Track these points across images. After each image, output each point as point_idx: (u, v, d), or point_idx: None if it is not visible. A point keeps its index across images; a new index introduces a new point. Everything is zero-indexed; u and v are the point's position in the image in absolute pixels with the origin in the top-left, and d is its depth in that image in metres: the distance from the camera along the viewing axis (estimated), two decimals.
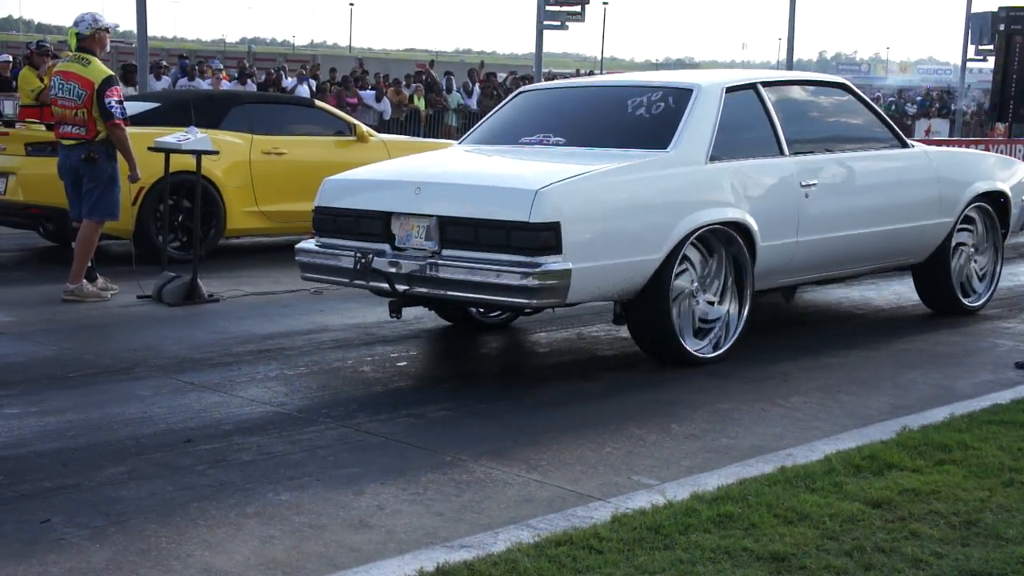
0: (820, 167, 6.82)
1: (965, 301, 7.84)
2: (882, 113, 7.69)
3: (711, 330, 6.29)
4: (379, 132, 12.52)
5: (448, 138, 22.65)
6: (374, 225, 6.05)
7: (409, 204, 5.91)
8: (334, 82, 23.35)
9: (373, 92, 22.64)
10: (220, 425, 4.99)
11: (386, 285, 5.92)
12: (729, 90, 6.58)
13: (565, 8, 22.42)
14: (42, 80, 9.78)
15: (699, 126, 6.28)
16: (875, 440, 4.67)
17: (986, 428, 4.84)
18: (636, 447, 4.77)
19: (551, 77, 28.06)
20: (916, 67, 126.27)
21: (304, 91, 22.10)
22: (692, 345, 6.15)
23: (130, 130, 7.92)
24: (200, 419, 5.08)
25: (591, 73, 32.71)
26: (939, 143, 16.42)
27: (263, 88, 22.05)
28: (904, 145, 7.55)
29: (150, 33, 15.97)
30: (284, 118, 10.54)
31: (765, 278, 6.53)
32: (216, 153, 8.57)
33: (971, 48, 29.31)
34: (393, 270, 5.86)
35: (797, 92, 7.27)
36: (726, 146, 6.36)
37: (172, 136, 8.26)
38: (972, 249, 7.90)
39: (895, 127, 7.67)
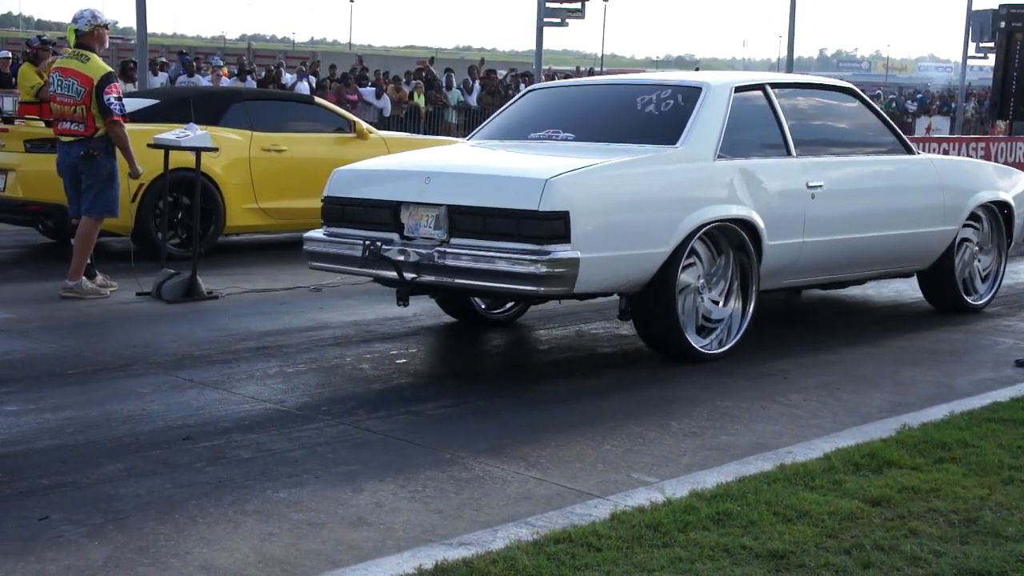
0: (827, 169, 6.84)
1: (967, 299, 7.84)
2: (888, 119, 7.73)
3: (714, 329, 6.29)
4: (379, 129, 12.51)
5: (448, 135, 22.65)
6: (383, 214, 6.09)
7: (419, 194, 5.95)
8: (334, 79, 23.35)
9: (373, 89, 22.64)
10: (219, 422, 4.99)
11: (394, 273, 5.95)
12: (738, 90, 6.63)
13: (565, 5, 22.41)
14: (42, 77, 9.77)
15: (708, 123, 6.33)
16: (874, 438, 4.67)
17: (986, 426, 4.83)
18: (635, 445, 4.77)
19: (551, 74, 28.06)
20: (917, 65, 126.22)
21: (304, 88, 22.09)
22: (696, 341, 6.17)
23: (129, 127, 7.92)
24: (199, 416, 5.08)
25: (591, 71, 32.69)
26: (939, 141, 16.41)
27: (263, 85, 22.05)
28: (909, 152, 7.58)
29: (150, 30, 15.96)
30: (284, 115, 10.53)
31: (771, 277, 6.54)
32: (216, 150, 8.56)
33: (972, 46, 29.30)
34: (401, 258, 5.89)
35: (805, 95, 7.32)
36: (734, 144, 6.40)
37: (172, 133, 8.25)
38: (976, 247, 7.90)
39: (900, 133, 7.70)
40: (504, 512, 3.94)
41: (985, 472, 4.23)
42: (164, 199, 8.65)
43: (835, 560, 3.43)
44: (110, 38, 8.28)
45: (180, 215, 9.37)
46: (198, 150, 8.06)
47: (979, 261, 7.96)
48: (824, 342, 6.91)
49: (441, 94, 23.86)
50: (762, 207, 6.35)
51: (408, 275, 5.91)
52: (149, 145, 8.26)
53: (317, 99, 11.73)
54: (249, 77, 22.03)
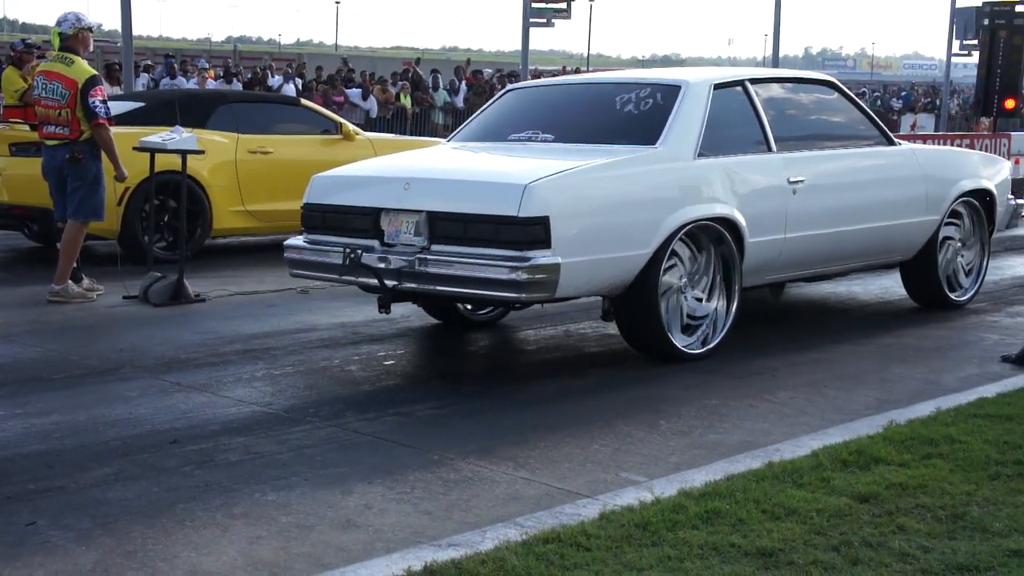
0: (808, 164, 6.83)
1: (951, 295, 7.86)
2: (868, 111, 7.73)
3: (699, 327, 6.29)
4: (366, 130, 12.50)
5: (435, 136, 22.63)
6: (363, 221, 6.06)
7: (398, 200, 5.92)
8: (320, 80, 23.31)
9: (359, 90, 22.60)
10: (207, 425, 4.97)
11: (375, 281, 5.92)
12: (717, 87, 6.60)
13: (551, 5, 22.43)
14: (26, 80, 9.73)
15: (687, 122, 6.30)
16: (862, 435, 4.68)
17: (972, 422, 4.85)
18: (624, 444, 4.77)
19: (538, 74, 28.06)
20: (902, 62, 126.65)
21: (290, 90, 22.04)
22: (680, 341, 6.16)
23: (115, 130, 7.90)
24: (186, 420, 5.06)
25: (577, 70, 32.74)
26: (925, 138, 16.47)
27: (249, 87, 22.00)
28: (891, 143, 7.58)
29: (135, 32, 15.92)
30: (270, 117, 10.52)
31: (753, 274, 6.55)
32: (202, 153, 8.54)
33: (956, 43, 29.39)
34: (382, 266, 5.87)
35: (785, 89, 7.28)
36: (714, 142, 6.38)
37: (157, 135, 8.23)
38: (959, 243, 7.93)
39: (882, 125, 7.70)
40: (493, 513, 3.94)
41: (972, 468, 4.25)
42: (150, 202, 8.62)
43: (824, 557, 3.44)
44: (95, 41, 8.25)
45: (167, 218, 9.35)
46: (184, 153, 8.04)
47: (962, 257, 7.99)
48: (811, 340, 6.93)
49: (428, 95, 23.84)
50: (743, 204, 6.35)
51: (389, 282, 5.88)
52: (135, 148, 8.24)
53: (303, 101, 11.73)
54: (235, 79, 21.97)
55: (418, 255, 5.75)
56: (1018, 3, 16.19)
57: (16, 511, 3.93)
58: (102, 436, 4.81)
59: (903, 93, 39.05)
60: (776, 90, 7.15)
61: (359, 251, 5.94)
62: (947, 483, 4.08)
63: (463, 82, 24.92)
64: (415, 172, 6.21)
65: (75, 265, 7.91)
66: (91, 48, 8.16)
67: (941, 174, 7.69)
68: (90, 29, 8.01)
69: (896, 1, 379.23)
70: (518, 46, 23.35)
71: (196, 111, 9.97)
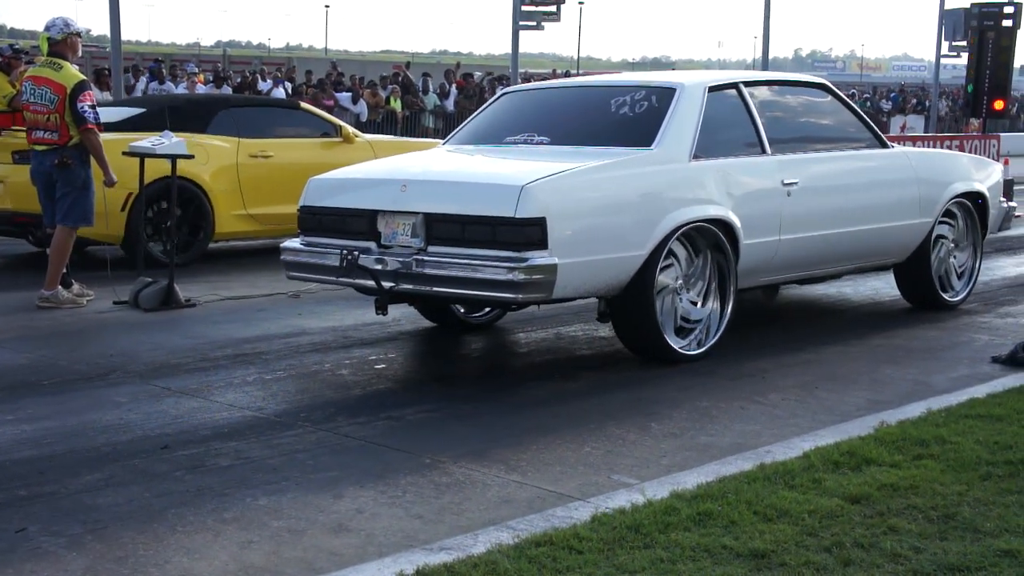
0: (802, 166, 6.86)
1: (944, 296, 7.88)
2: (862, 113, 7.76)
3: (694, 330, 6.30)
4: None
5: (425, 139, 22.65)
6: (360, 223, 6.07)
7: (395, 202, 5.93)
8: (310, 84, 23.28)
9: (349, 94, 22.59)
10: (197, 431, 4.96)
11: (372, 282, 5.93)
12: (712, 89, 6.63)
13: (541, 8, 22.45)
14: (14, 86, 9.70)
15: (682, 124, 6.32)
16: (853, 436, 4.69)
17: (963, 422, 4.86)
18: (616, 446, 4.77)
19: (528, 78, 28.09)
20: (891, 64, 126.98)
21: (280, 94, 22.01)
22: (675, 342, 6.17)
23: (114, 135, 7.88)
24: (177, 425, 5.05)
25: (568, 73, 32.74)
26: (914, 139, 16.51)
27: (239, 91, 21.95)
28: (884, 145, 7.62)
29: (124, 37, 15.90)
30: (270, 121, 10.58)
31: (748, 276, 6.56)
32: (191, 157, 8.52)
33: (945, 45, 29.48)
34: (379, 267, 5.88)
35: (779, 92, 7.33)
36: (709, 144, 6.41)
37: (147, 140, 8.21)
38: (952, 244, 7.95)
39: (875, 127, 7.73)
40: (485, 516, 3.94)
41: (963, 468, 4.26)
42: (141, 207, 8.60)
43: (816, 558, 3.44)
44: (84, 46, 8.23)
45: (167, 223, 9.34)
46: (173, 157, 8.02)
47: (955, 258, 8.00)
48: (802, 341, 6.93)
49: (418, 98, 23.84)
50: (738, 206, 6.36)
51: (386, 284, 5.88)
52: (124, 153, 8.22)
53: (303, 104, 11.78)
54: (225, 84, 21.93)
55: (415, 256, 5.76)
56: (1006, 4, 16.24)
57: (6, 517, 3.91)
58: (92, 442, 4.79)
59: (892, 94, 39.15)
60: (770, 92, 7.19)
61: (356, 253, 5.94)
62: (938, 484, 4.08)
63: (453, 86, 24.92)
64: (412, 174, 6.21)
65: (65, 271, 7.89)
66: (80, 53, 8.14)
67: (933, 177, 7.71)
68: (79, 34, 7.99)
69: (885, 3, 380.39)
70: (508, 49, 23.37)
71: (197, 116, 10.02)
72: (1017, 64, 22.80)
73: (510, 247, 5.50)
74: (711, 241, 6.29)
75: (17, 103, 9.04)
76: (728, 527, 3.67)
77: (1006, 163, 13.59)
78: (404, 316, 7.39)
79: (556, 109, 7.06)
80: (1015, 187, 14.67)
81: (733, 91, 6.80)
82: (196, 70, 23.20)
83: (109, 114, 9.48)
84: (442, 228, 5.74)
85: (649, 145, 6.21)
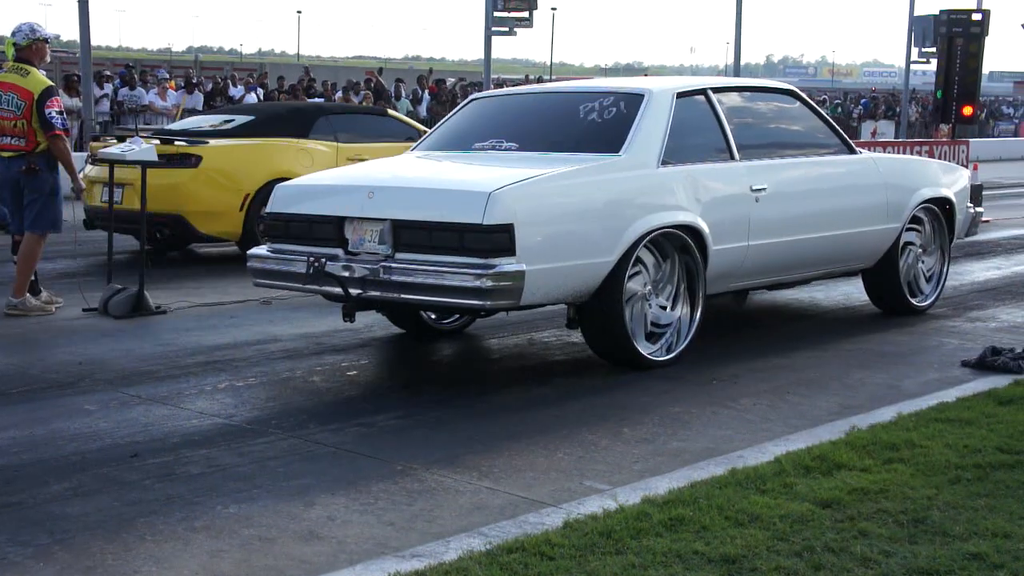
0: (770, 172, 6.89)
1: (913, 301, 7.93)
2: (829, 119, 7.80)
3: (663, 335, 6.31)
4: None
5: None
6: (327, 230, 6.05)
7: (362, 208, 5.92)
8: (282, 90, 23.20)
9: (322, 100, 22.52)
10: (167, 438, 4.93)
11: (339, 289, 5.90)
12: (680, 95, 6.63)
13: (513, 14, 22.48)
14: None
15: (650, 130, 6.33)
16: (824, 440, 4.70)
17: (933, 426, 4.89)
18: (588, 452, 4.77)
19: (501, 83, 28.11)
20: (862, 70, 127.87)
21: (252, 100, 21.94)
22: (645, 348, 6.17)
23: (232, 141, 7.96)
24: (147, 433, 5.02)
25: (540, 79, 32.79)
26: (885, 145, 16.61)
27: (210, 97, 21.86)
28: (851, 151, 7.65)
29: (94, 42, 15.82)
30: (363, 127, 11.43)
31: (717, 282, 6.57)
32: (161, 164, 8.49)
33: (915, 51, 29.70)
34: (346, 274, 5.85)
35: (747, 98, 7.33)
36: (677, 150, 6.41)
37: (117, 147, 8.18)
38: (920, 249, 8.00)
39: (842, 133, 7.77)
40: (457, 523, 3.93)
41: (932, 472, 4.28)
42: (110, 220, 8.55)
43: (786, 563, 3.45)
44: (54, 51, 8.18)
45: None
46: (144, 164, 7.98)
47: (923, 263, 8.05)
48: (773, 346, 6.96)
49: (390, 104, 23.77)
50: (707, 212, 6.37)
51: (354, 291, 5.87)
52: (94, 160, 8.18)
53: (389, 111, 12.65)
54: (196, 90, 21.82)
55: (382, 263, 5.74)
56: (974, 12, 16.37)
57: None
58: (61, 450, 4.75)
59: (863, 100, 39.42)
60: (738, 99, 7.19)
61: (323, 260, 5.92)
62: (908, 487, 4.10)
63: (426, 92, 24.90)
64: (379, 181, 6.20)
65: (33, 278, 7.83)
66: (48, 59, 8.08)
67: (901, 182, 7.76)
68: (46, 40, 7.93)
69: (856, 9, 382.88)
70: (481, 55, 23.38)
71: (300, 122, 10.77)
72: (986, 70, 22.99)
73: (478, 254, 5.49)
74: (680, 247, 6.30)
75: None
76: (699, 532, 3.67)
77: (975, 168, 13.73)
78: (376, 323, 7.37)
79: (524, 115, 7.05)
80: (984, 192, 14.83)
81: (701, 97, 6.80)
82: (167, 76, 23.08)
83: (216, 121, 10.53)
84: (409, 235, 5.73)
85: (617, 151, 6.21)
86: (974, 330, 7.48)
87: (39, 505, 4.10)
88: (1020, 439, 4.68)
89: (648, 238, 6.08)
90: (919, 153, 14.06)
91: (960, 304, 8.49)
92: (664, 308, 6.31)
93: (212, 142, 10.00)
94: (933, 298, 8.08)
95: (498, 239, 5.47)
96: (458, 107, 7.48)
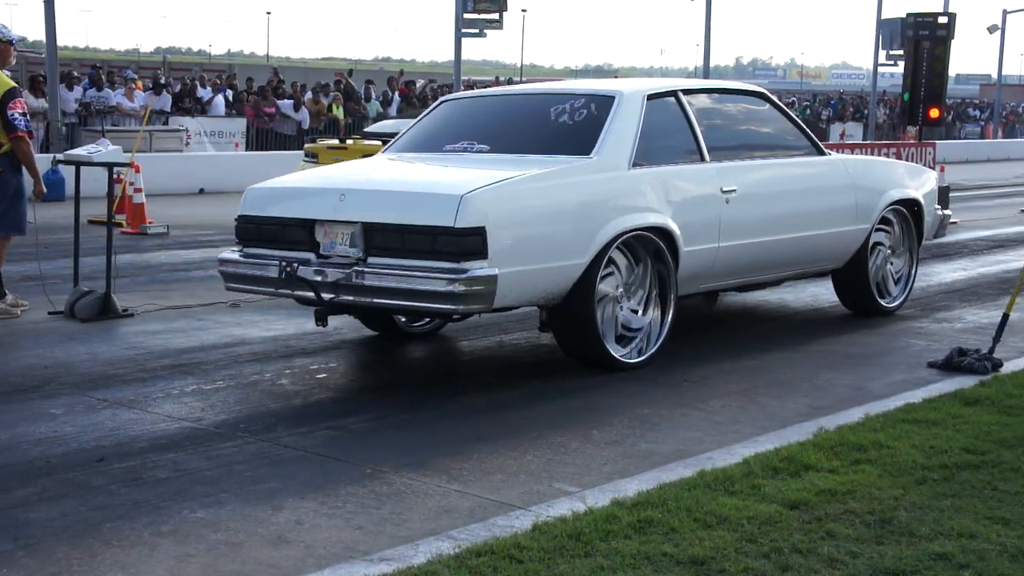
0: (740, 173, 6.92)
1: (882, 302, 7.98)
2: (799, 121, 7.85)
3: (634, 338, 6.32)
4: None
5: None
6: (298, 233, 6.04)
7: (333, 211, 5.90)
8: (251, 92, 23.10)
9: (291, 101, 22.44)
10: (134, 443, 4.89)
11: (312, 294, 5.88)
12: (650, 97, 6.65)
13: (484, 16, 22.49)
14: None
15: (621, 132, 6.35)
16: (792, 442, 4.72)
17: (900, 427, 4.92)
18: (557, 454, 4.77)
19: (471, 85, 28.11)
20: (831, 72, 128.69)
21: (220, 102, 21.84)
22: (616, 351, 6.18)
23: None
24: (114, 437, 4.98)
25: (510, 80, 32.81)
26: (853, 147, 16.72)
27: (178, 99, 21.72)
28: (821, 153, 7.70)
29: (61, 43, 15.70)
30: None
31: (688, 283, 6.60)
32: (127, 165, 8.42)
33: (882, 53, 29.91)
34: (319, 279, 5.85)
35: (717, 100, 7.36)
36: (648, 152, 6.43)
37: (83, 148, 8.12)
38: (889, 251, 8.06)
39: (812, 135, 7.82)
40: (426, 526, 3.92)
41: (899, 472, 4.31)
42: (76, 222, 8.48)
43: (754, 564, 3.46)
44: (20, 51, 8.10)
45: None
46: (110, 165, 7.92)
47: (891, 264, 8.11)
48: (743, 348, 6.98)
49: (360, 106, 23.73)
50: (678, 214, 6.39)
51: (326, 295, 5.84)
52: (59, 161, 8.10)
53: None
54: (164, 91, 21.69)
55: (354, 268, 5.73)
56: (940, 15, 16.51)
57: None
58: (26, 455, 4.70)
59: (832, 102, 39.67)
60: (708, 100, 7.22)
61: (295, 264, 5.89)
62: (875, 488, 4.13)
63: (396, 93, 24.85)
64: (350, 183, 6.17)
65: None
66: (12, 61, 8.00)
67: (870, 184, 7.81)
68: (10, 42, 7.84)
69: (824, 12, 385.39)
70: (451, 57, 23.37)
71: None
72: (952, 73, 23.18)
73: (450, 257, 5.49)
74: (651, 249, 6.32)
75: None
76: (668, 534, 3.68)
77: (942, 170, 13.84)
78: (345, 325, 7.34)
79: (496, 117, 7.05)
80: (951, 194, 14.95)
81: (672, 99, 6.82)
82: (135, 77, 22.93)
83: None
84: (381, 238, 5.72)
85: (588, 153, 6.22)
86: (941, 331, 7.53)
87: (3, 510, 4.06)
88: (985, 440, 4.73)
89: (620, 240, 6.09)
90: (887, 155, 14.15)
91: (927, 305, 8.55)
92: (636, 312, 6.32)
93: None
94: (901, 299, 8.14)
95: (470, 242, 5.46)
96: (429, 109, 7.47)
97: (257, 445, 4.87)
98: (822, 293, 8.77)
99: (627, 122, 6.40)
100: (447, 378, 6.38)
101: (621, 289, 6.23)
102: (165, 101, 20.97)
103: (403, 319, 7.08)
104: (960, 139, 37.99)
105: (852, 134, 32.26)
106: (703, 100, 7.13)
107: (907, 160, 14.47)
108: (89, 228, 10.53)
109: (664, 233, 6.31)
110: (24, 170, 7.70)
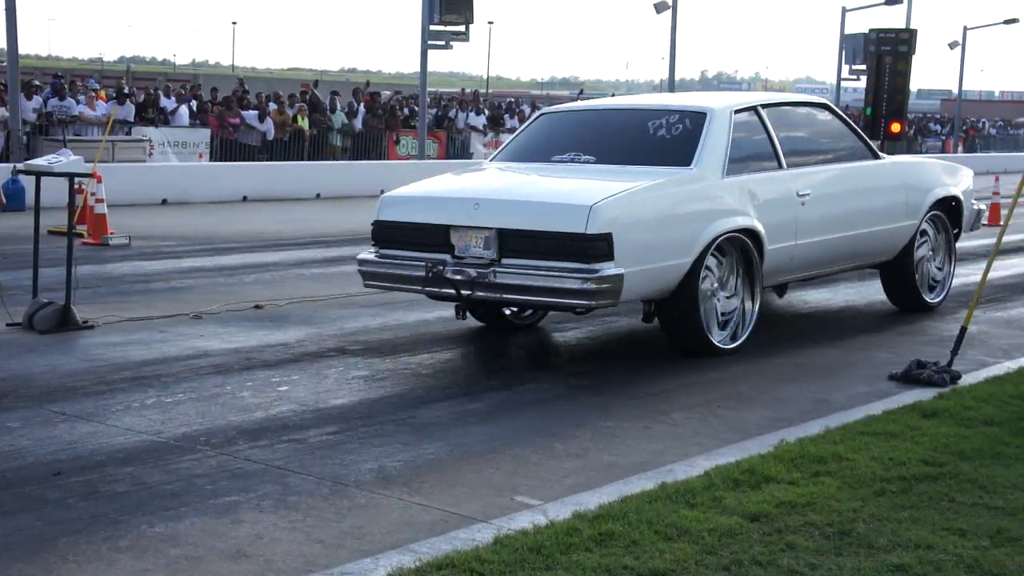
0: (812, 178, 7.71)
1: (926, 298, 8.65)
2: (857, 129, 8.62)
3: (728, 321, 7.07)
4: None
5: (334, 158, 22.46)
6: (435, 236, 6.74)
7: (469, 218, 6.63)
8: (216, 102, 22.97)
9: (256, 112, 22.32)
10: (92, 456, 4.84)
11: (453, 291, 6.59)
12: (736, 112, 7.40)
13: (450, 28, 22.49)
14: None
15: (715, 145, 7.13)
16: (753, 454, 4.75)
17: (859, 439, 4.95)
18: (519, 467, 4.77)
19: (438, 97, 28.08)
20: (795, 86, 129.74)
21: (185, 112, 21.69)
22: (716, 337, 6.94)
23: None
24: (71, 450, 4.92)
25: (476, 92, 32.80)
26: None
27: (142, 109, 21.56)
28: (876, 156, 8.49)
29: (23, 51, 15.55)
30: None
31: (769, 276, 7.37)
32: (89, 175, 8.35)
33: (845, 68, 30.20)
34: (459, 277, 6.54)
35: (789, 111, 8.17)
36: (736, 162, 7.21)
37: (43, 158, 8.04)
38: (931, 251, 8.76)
39: (868, 141, 8.63)
40: (386, 540, 3.90)
41: (859, 484, 4.34)
42: (35, 232, 8.39)
43: None
44: None
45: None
46: (71, 176, 7.85)
47: (934, 260, 8.78)
48: (705, 360, 7.00)
49: (325, 117, 23.65)
50: (762, 216, 7.15)
51: (465, 292, 6.56)
52: (20, 171, 8.03)
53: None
54: (128, 100, 21.52)
55: (492, 268, 6.44)
56: (902, 31, 16.70)
57: None
58: None
59: None
60: (782, 113, 7.98)
61: (440, 266, 6.57)
62: (835, 500, 4.15)
63: (361, 104, 24.79)
64: (483, 192, 6.88)
65: None
66: None
67: (917, 183, 8.57)
68: None
69: (788, 27, 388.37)
70: (417, 68, 23.35)
71: None
72: (914, 88, 23.42)
73: (581, 259, 6.24)
74: (740, 247, 7.03)
75: None
76: (629, 547, 3.68)
77: None
78: (307, 338, 7.32)
79: (596, 130, 7.76)
80: None
81: (753, 113, 7.57)
82: (97, 86, 22.76)
83: None
84: (515, 242, 6.45)
85: (688, 164, 7.00)
86: (901, 343, 7.60)
87: None
88: (943, 451, 4.77)
89: (718, 241, 6.80)
90: None
91: (889, 317, 8.62)
92: (729, 298, 7.05)
93: None
94: (941, 296, 8.79)
95: (599, 246, 6.23)
96: (528, 121, 8.17)
97: (217, 458, 4.83)
98: (783, 306, 8.83)
99: (719, 135, 7.15)
100: (408, 391, 6.36)
101: (716, 283, 6.96)
102: (128, 111, 20.79)
103: (509, 311, 7.65)
104: (922, 153, 38.36)
105: None
106: (778, 112, 7.87)
107: None
108: (49, 239, 10.44)
109: (752, 234, 7.06)
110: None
